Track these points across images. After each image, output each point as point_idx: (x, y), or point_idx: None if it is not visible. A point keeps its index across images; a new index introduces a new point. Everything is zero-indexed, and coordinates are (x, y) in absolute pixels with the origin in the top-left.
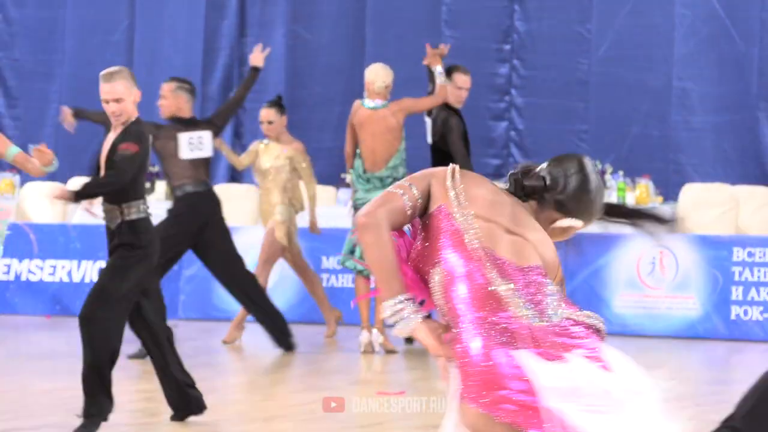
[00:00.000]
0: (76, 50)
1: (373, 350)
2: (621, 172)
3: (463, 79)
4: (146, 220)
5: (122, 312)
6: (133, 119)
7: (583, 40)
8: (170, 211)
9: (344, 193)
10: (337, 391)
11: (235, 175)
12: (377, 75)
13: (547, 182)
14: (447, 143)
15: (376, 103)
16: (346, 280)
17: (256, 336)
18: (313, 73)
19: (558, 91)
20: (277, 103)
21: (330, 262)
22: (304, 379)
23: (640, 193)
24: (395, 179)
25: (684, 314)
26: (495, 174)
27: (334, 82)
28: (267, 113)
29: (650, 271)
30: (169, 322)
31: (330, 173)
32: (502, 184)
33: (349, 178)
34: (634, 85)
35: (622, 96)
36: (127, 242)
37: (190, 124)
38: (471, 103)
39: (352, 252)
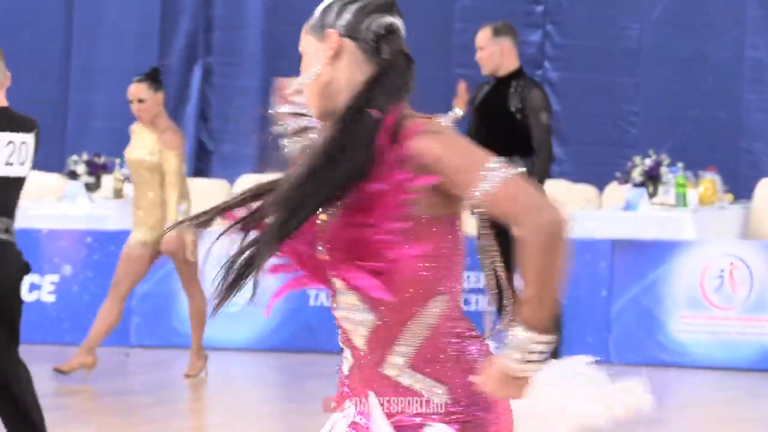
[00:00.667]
0: (4, 10)
1: None
2: (680, 165)
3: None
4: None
5: None
6: None
7: (632, 1)
8: None
9: None
10: None
11: (203, 168)
12: None
13: None
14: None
15: None
16: None
17: (225, 364)
18: (298, 41)
19: (601, 63)
20: (151, 77)
21: None
22: (288, 418)
23: (705, 190)
24: None
25: (760, 341)
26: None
27: None
28: (137, 89)
29: (718, 287)
30: (119, 351)
31: None
32: None
33: None
34: (696, 56)
35: (680, 70)
36: None
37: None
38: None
39: None
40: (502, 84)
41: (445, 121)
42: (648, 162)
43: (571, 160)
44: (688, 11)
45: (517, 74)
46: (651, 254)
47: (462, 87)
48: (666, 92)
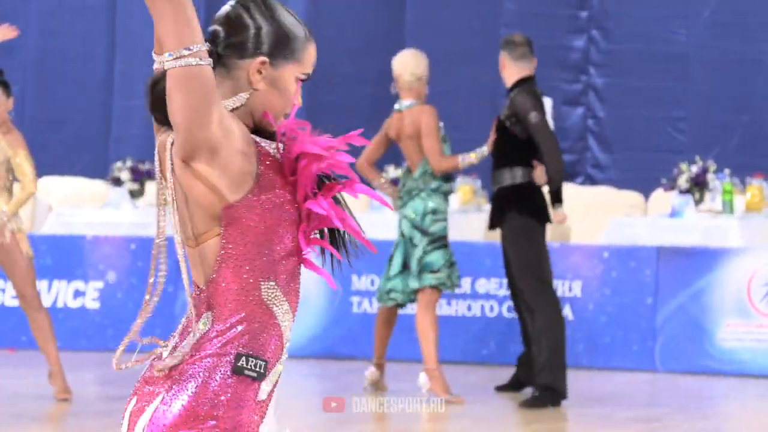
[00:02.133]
0: (49, 14)
1: (378, 387)
2: (727, 171)
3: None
4: None
5: None
6: None
7: (681, 3)
8: None
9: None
10: None
11: None
12: (405, 66)
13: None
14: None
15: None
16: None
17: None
18: None
19: (648, 68)
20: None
21: (362, 283)
22: (329, 427)
23: (752, 197)
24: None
25: None
26: (569, 173)
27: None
28: None
29: (765, 295)
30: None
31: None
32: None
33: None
34: (746, 60)
35: (729, 74)
36: None
37: None
38: (538, 84)
39: (388, 292)
40: (507, 97)
41: (466, 158)
42: (694, 168)
43: (617, 166)
44: (736, 14)
45: (518, 85)
46: (697, 262)
47: (495, 124)
48: (713, 97)
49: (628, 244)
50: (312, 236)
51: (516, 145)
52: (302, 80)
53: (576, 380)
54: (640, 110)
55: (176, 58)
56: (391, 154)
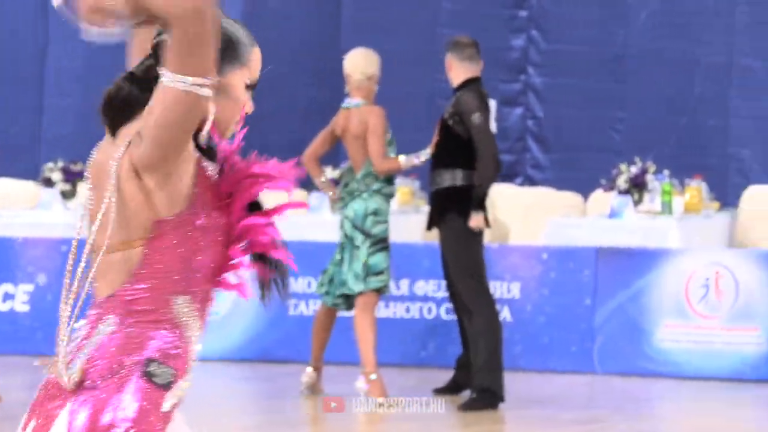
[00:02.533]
0: None
1: (313, 392)
2: (666, 172)
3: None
4: None
5: None
6: None
7: (619, 4)
8: None
9: (316, 198)
10: None
11: None
12: (355, 65)
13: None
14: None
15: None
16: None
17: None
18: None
19: (587, 69)
20: None
21: (299, 285)
22: (269, 429)
23: (691, 198)
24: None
25: (746, 351)
26: (507, 173)
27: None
28: None
29: (703, 296)
30: None
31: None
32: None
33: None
34: (684, 60)
35: (667, 75)
36: None
37: None
38: None
39: (331, 281)
40: (453, 97)
41: (409, 160)
42: (633, 169)
43: (555, 167)
44: (676, 16)
45: (464, 86)
46: (636, 263)
47: (438, 126)
48: (652, 98)
49: (567, 244)
50: (240, 259)
51: (458, 145)
52: (250, 86)
53: (514, 382)
54: (579, 110)
55: (195, 84)
56: (330, 154)
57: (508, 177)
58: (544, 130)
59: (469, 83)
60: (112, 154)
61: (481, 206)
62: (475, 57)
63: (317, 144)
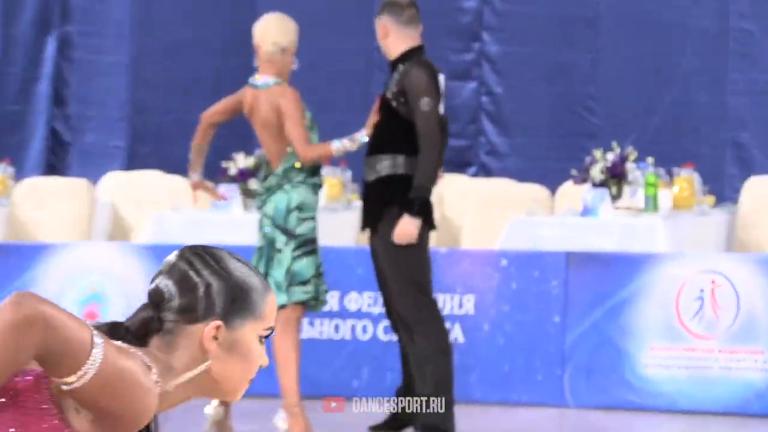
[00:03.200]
0: None
1: None
2: (650, 160)
3: None
4: None
5: None
6: None
7: None
8: None
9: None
10: None
11: (58, 164)
12: (265, 33)
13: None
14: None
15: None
16: None
17: None
18: (172, 5)
19: (552, 35)
20: None
21: None
22: None
23: (680, 191)
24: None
25: (749, 378)
26: (458, 162)
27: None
28: None
29: (697, 311)
30: None
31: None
32: None
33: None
34: (670, 25)
35: (650, 43)
36: None
37: None
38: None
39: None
40: (391, 71)
41: (342, 144)
42: (610, 156)
43: (516, 154)
44: None
45: (407, 57)
46: (614, 270)
47: (378, 104)
48: (633, 71)
49: (530, 249)
50: None
51: (402, 126)
52: (265, 337)
53: (468, 417)
54: (543, 86)
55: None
56: (243, 137)
57: (459, 166)
58: (501, 109)
59: (411, 54)
60: None
61: (420, 212)
62: (416, 20)
63: (217, 110)
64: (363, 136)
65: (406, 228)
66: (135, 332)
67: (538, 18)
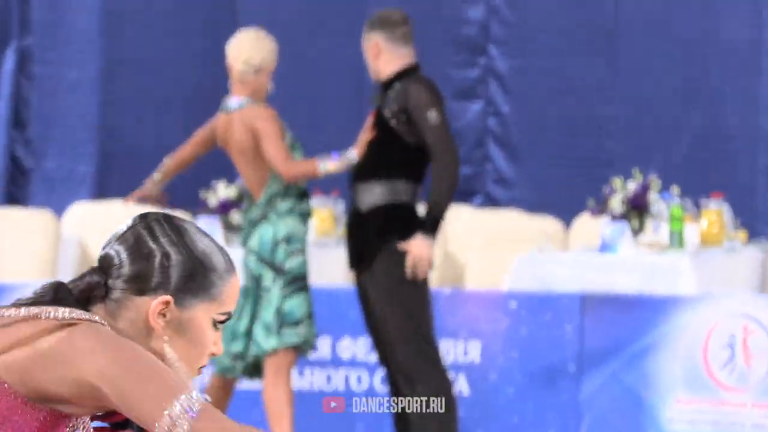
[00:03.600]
0: None
1: None
2: (675, 189)
3: None
4: None
5: None
6: None
7: None
8: None
9: (204, 224)
10: None
11: (17, 193)
12: (238, 51)
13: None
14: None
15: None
16: None
17: None
18: (143, 16)
19: (566, 48)
20: None
21: None
22: None
23: (709, 226)
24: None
25: None
26: (462, 191)
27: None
28: None
29: (727, 361)
30: None
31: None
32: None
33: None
34: (698, 38)
35: (676, 57)
36: None
37: None
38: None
39: (236, 357)
40: (384, 91)
41: (331, 163)
42: (631, 186)
43: (527, 182)
44: None
45: (402, 75)
46: (635, 314)
47: (371, 119)
48: (655, 88)
49: (542, 289)
50: None
51: (401, 148)
52: (221, 322)
53: None
54: (556, 106)
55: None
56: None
57: (464, 195)
58: (510, 131)
59: (406, 73)
60: None
61: (434, 231)
62: (409, 37)
63: (186, 149)
64: (353, 155)
65: (422, 249)
66: (77, 296)
67: (550, 29)
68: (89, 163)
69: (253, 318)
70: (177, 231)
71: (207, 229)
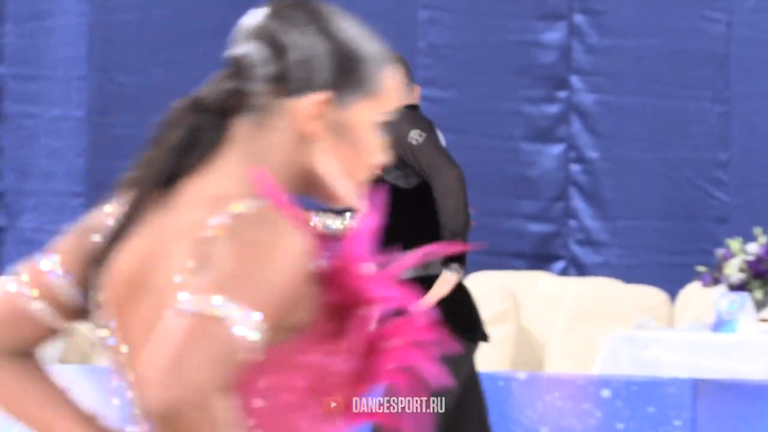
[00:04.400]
0: None
1: None
2: None
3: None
4: None
5: None
6: None
7: None
8: None
9: None
10: None
11: None
12: None
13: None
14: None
15: None
16: None
17: None
18: (140, 37)
19: (667, 79)
20: None
21: None
22: None
23: None
24: None
25: None
26: (540, 255)
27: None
28: None
29: None
30: None
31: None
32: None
33: None
34: None
35: None
36: None
37: None
38: (481, 104)
39: None
40: None
41: (328, 221)
42: (752, 248)
43: (620, 244)
44: None
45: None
46: (758, 405)
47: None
48: None
49: (643, 375)
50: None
51: (415, 207)
52: (383, 123)
53: None
54: (653, 150)
55: None
56: None
57: (542, 259)
58: (598, 181)
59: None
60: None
61: (461, 262)
62: (410, 79)
63: None
64: (352, 215)
65: (446, 288)
66: (214, 108)
67: (646, 57)
68: (74, 220)
69: None
70: (320, 16)
71: None
